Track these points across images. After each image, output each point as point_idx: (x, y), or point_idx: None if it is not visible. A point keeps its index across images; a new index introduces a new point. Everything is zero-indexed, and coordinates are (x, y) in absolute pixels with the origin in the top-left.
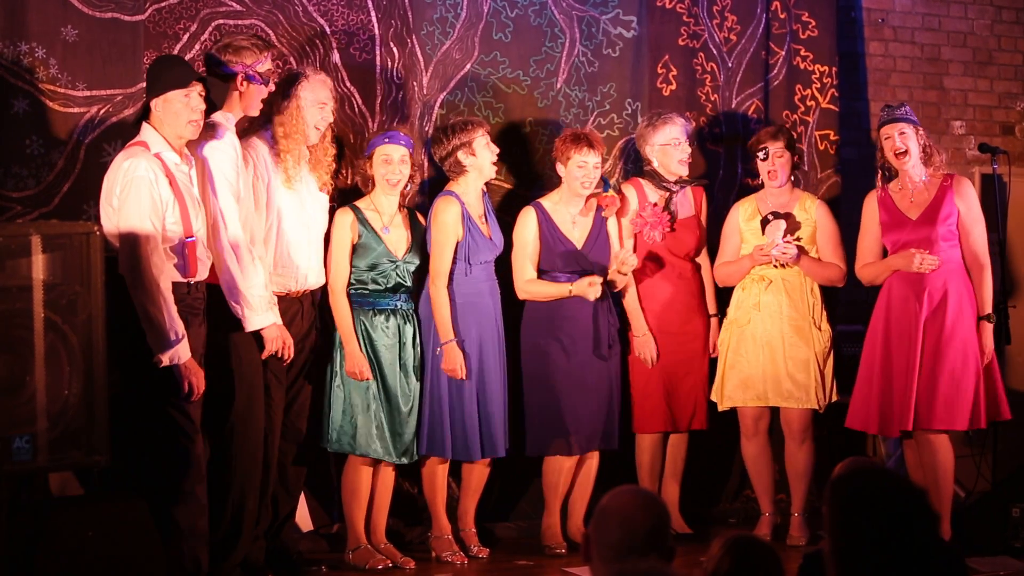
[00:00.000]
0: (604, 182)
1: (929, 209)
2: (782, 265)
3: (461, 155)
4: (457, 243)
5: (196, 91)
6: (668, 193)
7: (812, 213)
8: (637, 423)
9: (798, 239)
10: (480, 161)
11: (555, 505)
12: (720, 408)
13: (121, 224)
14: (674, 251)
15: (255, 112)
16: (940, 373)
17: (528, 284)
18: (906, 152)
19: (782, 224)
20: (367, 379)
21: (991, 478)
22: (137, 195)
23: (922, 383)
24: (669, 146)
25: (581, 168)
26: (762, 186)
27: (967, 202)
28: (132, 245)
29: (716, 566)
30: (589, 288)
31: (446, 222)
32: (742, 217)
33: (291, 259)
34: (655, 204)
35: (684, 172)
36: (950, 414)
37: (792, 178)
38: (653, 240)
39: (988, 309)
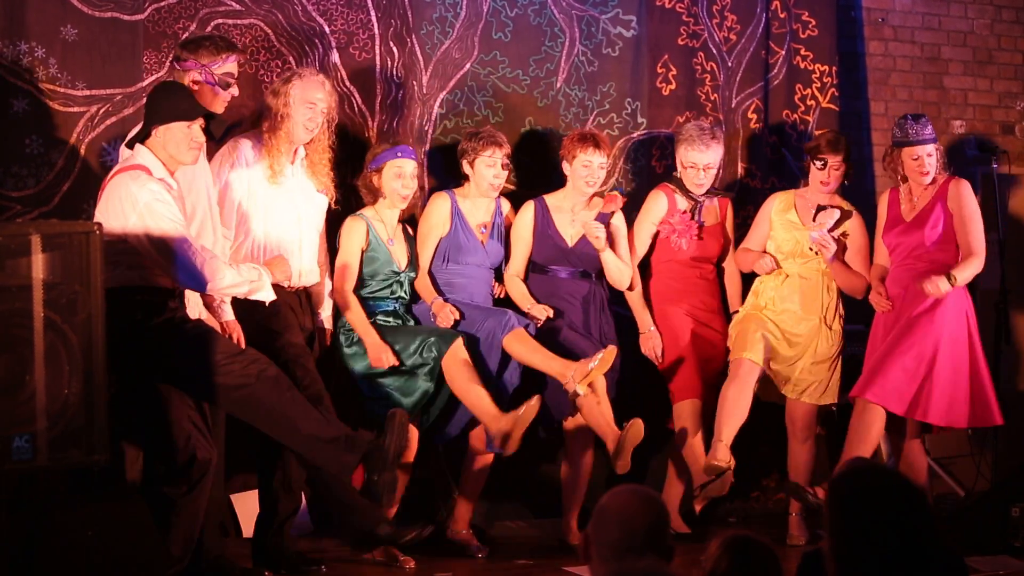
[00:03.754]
0: (619, 190)
1: (922, 213)
2: (815, 252)
3: (464, 164)
4: (441, 237)
5: (199, 123)
6: (694, 203)
7: (847, 223)
8: (675, 392)
9: (844, 235)
10: (478, 178)
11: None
12: (731, 357)
13: (156, 238)
14: (696, 257)
15: (219, 109)
16: (902, 355)
17: (510, 279)
18: (928, 173)
19: (836, 214)
20: (393, 364)
21: (991, 478)
22: (162, 213)
23: (885, 355)
24: (686, 168)
25: (586, 167)
26: (805, 184)
27: (958, 202)
28: (187, 255)
29: (714, 565)
30: (536, 315)
31: (430, 214)
32: (776, 208)
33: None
34: (684, 212)
35: (697, 192)
36: (900, 396)
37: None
38: (679, 247)
39: (955, 273)
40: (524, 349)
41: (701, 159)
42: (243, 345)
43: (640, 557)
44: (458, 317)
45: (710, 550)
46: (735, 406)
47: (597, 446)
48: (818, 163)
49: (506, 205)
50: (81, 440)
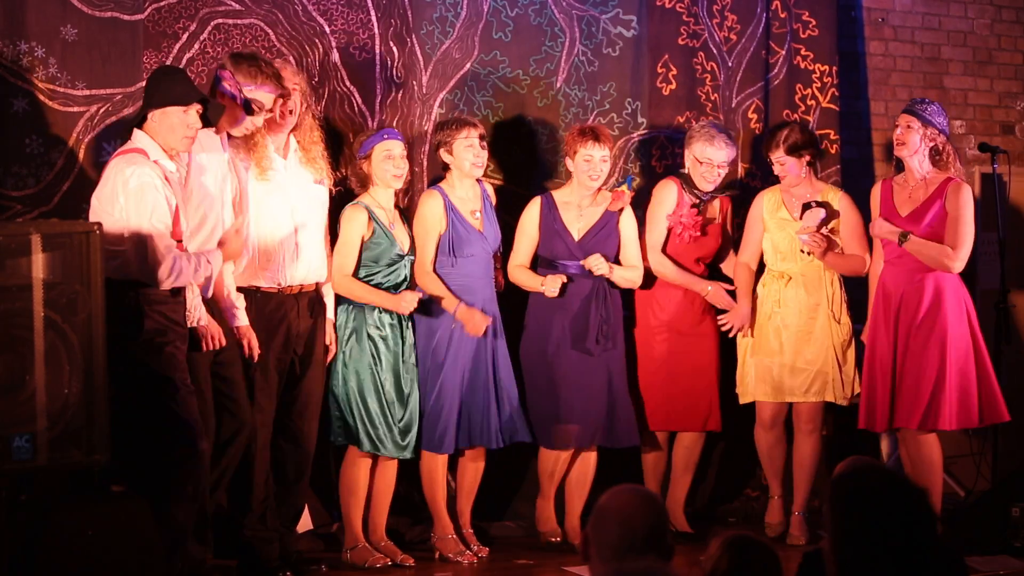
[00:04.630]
0: (628, 179)
1: (918, 210)
2: (808, 253)
3: (442, 152)
4: (440, 235)
5: (195, 109)
6: (699, 200)
7: (835, 205)
8: (647, 419)
9: (832, 230)
10: (459, 161)
11: (550, 491)
12: (741, 401)
13: (131, 231)
14: (695, 256)
15: (237, 134)
16: (907, 373)
17: (514, 269)
18: (903, 145)
19: (821, 213)
20: (415, 305)
21: (991, 478)
22: (145, 201)
23: (897, 382)
24: (701, 163)
25: (587, 161)
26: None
27: (955, 205)
28: (151, 250)
29: (714, 566)
30: (549, 290)
31: (425, 214)
32: (766, 208)
33: (275, 254)
34: (693, 207)
35: (707, 188)
36: (914, 415)
37: (814, 173)
38: (683, 239)
39: (913, 237)
40: (431, 480)
41: (718, 156)
42: (256, 351)
43: (640, 557)
44: (489, 321)
45: (710, 550)
46: (773, 452)
47: (600, 446)
48: (768, 159)
49: (489, 187)
50: (81, 440)
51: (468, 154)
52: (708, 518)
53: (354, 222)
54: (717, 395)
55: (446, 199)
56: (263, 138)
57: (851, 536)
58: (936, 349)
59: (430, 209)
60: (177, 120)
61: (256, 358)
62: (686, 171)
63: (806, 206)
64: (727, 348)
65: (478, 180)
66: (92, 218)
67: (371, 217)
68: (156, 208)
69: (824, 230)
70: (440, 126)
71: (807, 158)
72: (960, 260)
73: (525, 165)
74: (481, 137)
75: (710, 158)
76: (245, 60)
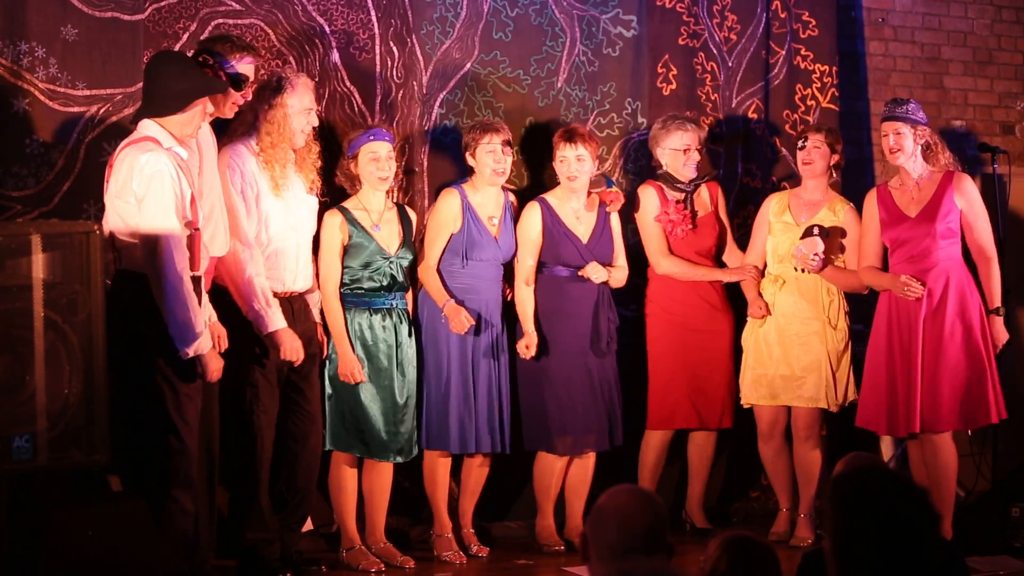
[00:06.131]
0: (607, 180)
1: (928, 206)
2: (801, 270)
3: (467, 156)
4: (452, 234)
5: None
6: (684, 194)
7: (841, 217)
8: (653, 420)
9: (830, 259)
10: (480, 166)
11: (547, 507)
12: (743, 404)
13: (144, 221)
14: (696, 250)
15: (228, 114)
16: (942, 375)
17: (525, 290)
18: (899, 151)
19: (819, 244)
20: (359, 381)
21: (991, 478)
22: (162, 191)
23: (925, 385)
24: (678, 151)
25: (562, 162)
26: (798, 181)
27: (968, 198)
28: (159, 242)
29: (713, 566)
30: (526, 349)
31: (440, 210)
32: (772, 211)
33: (277, 263)
34: (679, 202)
35: (691, 176)
36: (955, 415)
37: (830, 178)
38: (676, 236)
39: (997, 302)
40: (432, 480)
41: (692, 139)
42: (300, 359)
43: (639, 557)
44: (473, 323)
45: (709, 550)
46: (776, 466)
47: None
48: (799, 143)
49: (513, 198)
50: (81, 440)
51: (489, 160)
52: (721, 516)
53: (329, 229)
54: (731, 392)
55: (464, 199)
56: (285, 152)
57: (851, 536)
58: (972, 349)
59: (446, 206)
60: (197, 108)
61: (298, 362)
62: (662, 171)
63: (808, 230)
64: (739, 347)
65: (504, 189)
66: (108, 206)
67: (347, 220)
68: (170, 199)
69: (821, 257)
70: (468, 129)
71: (836, 158)
72: (994, 247)
73: (526, 165)
74: (506, 143)
75: (688, 143)
76: (216, 41)
